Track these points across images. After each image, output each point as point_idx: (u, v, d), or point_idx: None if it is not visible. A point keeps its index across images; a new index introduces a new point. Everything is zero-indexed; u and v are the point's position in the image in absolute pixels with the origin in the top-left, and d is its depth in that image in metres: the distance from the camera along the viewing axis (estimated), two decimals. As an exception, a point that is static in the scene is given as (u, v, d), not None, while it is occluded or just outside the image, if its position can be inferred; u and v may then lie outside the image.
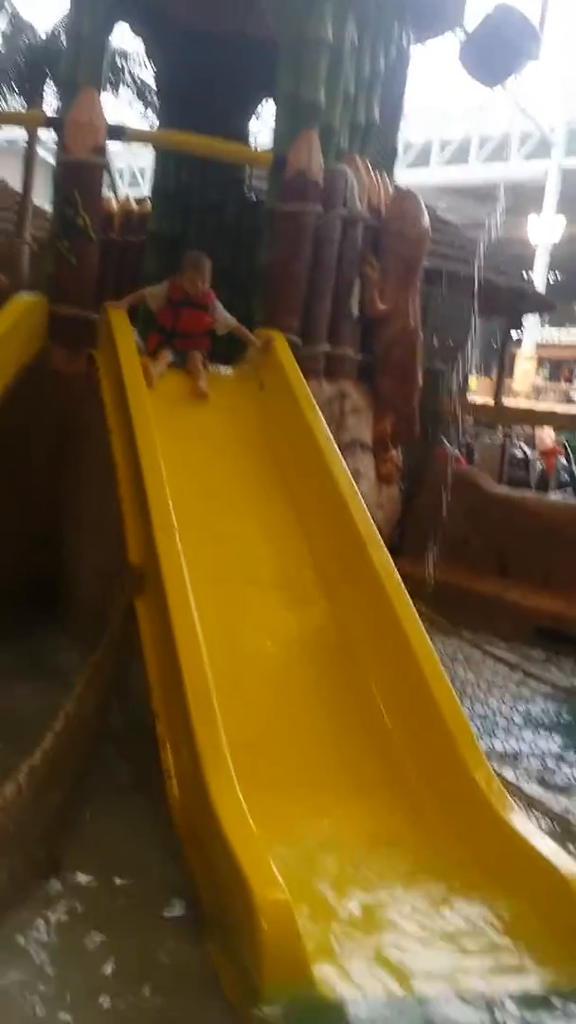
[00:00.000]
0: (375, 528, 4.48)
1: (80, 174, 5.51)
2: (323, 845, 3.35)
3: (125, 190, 20.94)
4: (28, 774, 2.84)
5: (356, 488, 4.70)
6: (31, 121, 10.17)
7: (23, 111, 13.14)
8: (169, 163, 7.57)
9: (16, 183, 14.39)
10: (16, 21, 13.71)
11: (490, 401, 16.58)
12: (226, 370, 5.60)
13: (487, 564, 8.03)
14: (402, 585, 4.19)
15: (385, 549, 4.38)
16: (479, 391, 20.35)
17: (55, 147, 6.00)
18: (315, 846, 3.34)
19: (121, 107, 13.27)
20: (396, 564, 4.32)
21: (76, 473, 5.33)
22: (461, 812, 3.50)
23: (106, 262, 6.11)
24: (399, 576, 4.23)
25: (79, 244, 5.50)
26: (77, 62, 6.27)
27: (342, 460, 4.83)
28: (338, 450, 4.90)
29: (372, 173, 6.24)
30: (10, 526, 5.08)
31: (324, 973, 2.70)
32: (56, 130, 5.76)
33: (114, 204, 7.87)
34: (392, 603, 4.09)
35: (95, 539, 4.85)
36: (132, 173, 27.49)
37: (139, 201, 8.37)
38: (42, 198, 14.02)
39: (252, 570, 4.40)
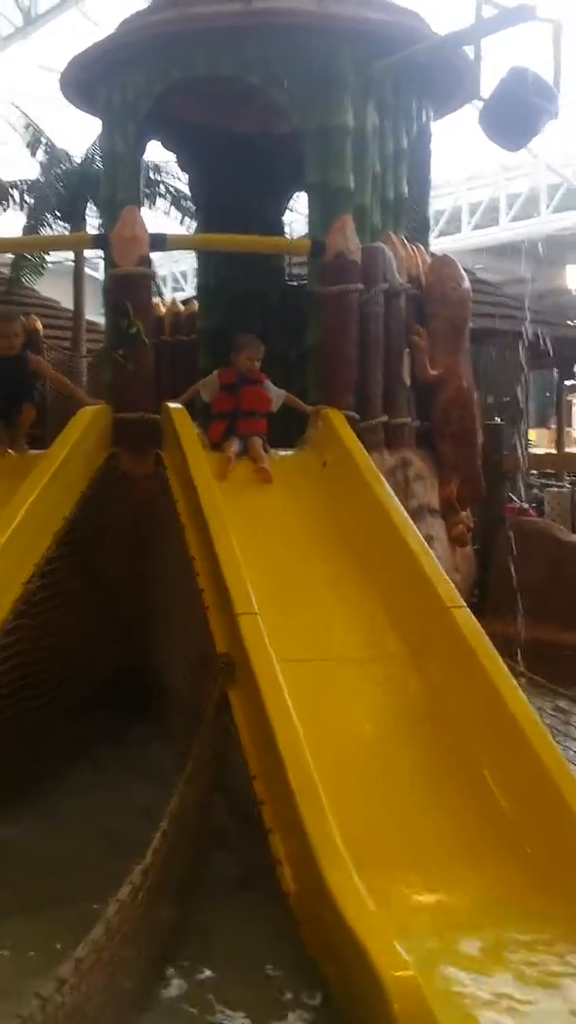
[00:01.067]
0: (456, 591, 4.47)
1: (129, 285, 5.72)
2: (442, 919, 3.27)
3: (169, 294, 21.60)
4: (142, 874, 2.83)
5: (431, 553, 4.70)
6: (79, 243, 10.61)
7: (68, 234, 13.75)
8: (210, 262, 7.84)
9: (66, 302, 14.96)
10: (52, 151, 14.44)
11: (552, 451, 16.47)
12: (286, 453, 5.70)
13: (572, 614, 7.87)
14: (491, 646, 4.15)
15: (469, 611, 4.35)
16: (539, 442, 20.21)
17: (102, 263, 6.26)
18: (434, 920, 3.26)
19: (158, 217, 13.79)
20: (480, 624, 4.29)
21: (154, 571, 5.42)
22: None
23: (160, 364, 6.29)
24: (486, 636, 4.19)
25: (134, 350, 5.68)
26: (115, 182, 6.63)
27: (413, 526, 4.84)
28: (408, 517, 4.92)
29: (408, 245, 6.38)
30: (96, 631, 5.17)
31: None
32: (103, 248, 6.01)
33: (162, 308, 8.15)
34: (483, 665, 4.04)
35: (179, 633, 4.90)
36: (175, 277, 28.44)
37: (184, 303, 8.66)
38: (92, 312, 14.58)
39: (337, 646, 4.39)
